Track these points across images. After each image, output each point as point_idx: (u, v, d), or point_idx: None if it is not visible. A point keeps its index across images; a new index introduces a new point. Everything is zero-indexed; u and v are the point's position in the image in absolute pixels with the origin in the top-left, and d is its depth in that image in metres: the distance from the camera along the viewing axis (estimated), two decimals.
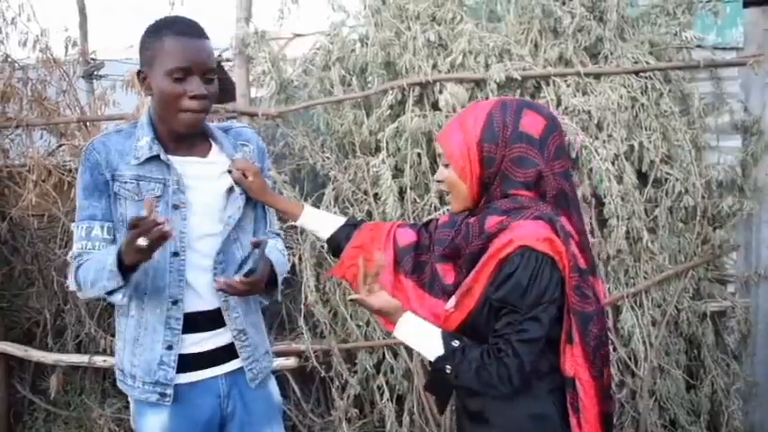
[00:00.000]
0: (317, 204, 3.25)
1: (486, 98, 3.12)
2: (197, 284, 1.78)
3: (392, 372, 3.10)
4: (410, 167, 3.12)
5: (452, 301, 1.56)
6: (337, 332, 3.15)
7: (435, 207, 3.10)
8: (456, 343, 1.51)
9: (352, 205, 3.22)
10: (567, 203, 1.55)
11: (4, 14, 3.12)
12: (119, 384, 1.84)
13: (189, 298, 1.77)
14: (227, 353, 1.83)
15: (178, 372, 1.76)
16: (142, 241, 1.48)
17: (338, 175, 3.23)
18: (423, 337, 1.56)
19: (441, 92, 3.10)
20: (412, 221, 3.05)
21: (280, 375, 3.16)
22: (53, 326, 3.41)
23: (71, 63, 3.26)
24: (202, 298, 1.79)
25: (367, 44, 3.21)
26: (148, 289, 1.74)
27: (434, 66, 3.19)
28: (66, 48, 3.10)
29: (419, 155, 3.13)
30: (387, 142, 3.08)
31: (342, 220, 1.87)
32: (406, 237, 1.75)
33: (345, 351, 3.13)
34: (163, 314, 1.75)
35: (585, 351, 1.47)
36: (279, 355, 3.08)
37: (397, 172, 3.18)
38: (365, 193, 3.22)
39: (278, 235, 2.00)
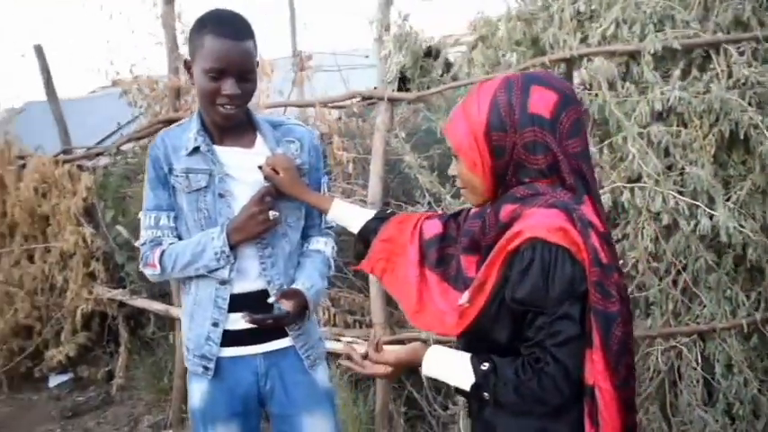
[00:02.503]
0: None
1: (641, 74, 2.78)
2: (245, 269, 1.85)
3: None
4: None
5: (466, 295, 1.42)
6: None
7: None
8: (486, 365, 1.37)
9: None
10: (587, 189, 1.36)
11: None
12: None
13: (237, 280, 1.85)
14: (270, 332, 1.87)
15: (222, 346, 1.85)
16: (274, 213, 1.78)
17: None
18: (453, 368, 1.42)
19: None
20: None
21: None
22: None
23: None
24: (249, 281, 1.86)
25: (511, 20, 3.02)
26: None
27: (584, 39, 2.90)
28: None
29: None
30: None
31: (371, 214, 1.79)
32: (432, 228, 1.63)
33: None
34: (212, 293, 1.84)
35: (607, 357, 1.30)
36: (411, 341, 3.05)
37: None
38: None
39: (330, 231, 2.03)
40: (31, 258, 4.57)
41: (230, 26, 1.73)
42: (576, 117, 1.35)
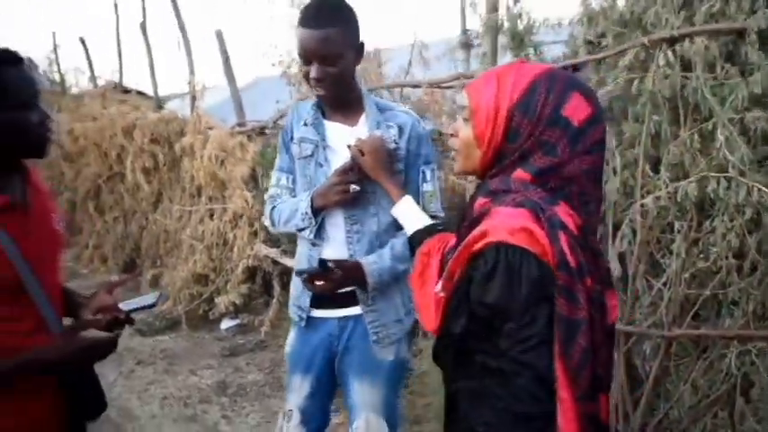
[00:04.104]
0: None
1: (746, 55, 2.56)
2: (334, 238, 2.06)
3: None
4: (646, 136, 2.76)
5: (440, 284, 1.43)
6: None
7: (665, 182, 2.68)
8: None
9: None
10: (569, 195, 1.31)
11: None
12: None
13: (326, 247, 2.07)
14: (349, 298, 2.06)
15: (311, 306, 2.11)
16: (354, 187, 1.93)
17: None
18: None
19: None
20: (640, 200, 2.72)
21: None
22: None
23: None
24: (337, 250, 2.06)
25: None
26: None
27: (690, 18, 2.72)
28: None
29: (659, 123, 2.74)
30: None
31: (423, 223, 1.79)
32: (452, 240, 1.58)
33: None
34: (307, 253, 2.10)
35: (566, 366, 1.23)
36: None
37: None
38: None
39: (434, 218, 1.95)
40: (212, 217, 5.31)
41: (311, 16, 1.87)
42: (599, 137, 1.32)
